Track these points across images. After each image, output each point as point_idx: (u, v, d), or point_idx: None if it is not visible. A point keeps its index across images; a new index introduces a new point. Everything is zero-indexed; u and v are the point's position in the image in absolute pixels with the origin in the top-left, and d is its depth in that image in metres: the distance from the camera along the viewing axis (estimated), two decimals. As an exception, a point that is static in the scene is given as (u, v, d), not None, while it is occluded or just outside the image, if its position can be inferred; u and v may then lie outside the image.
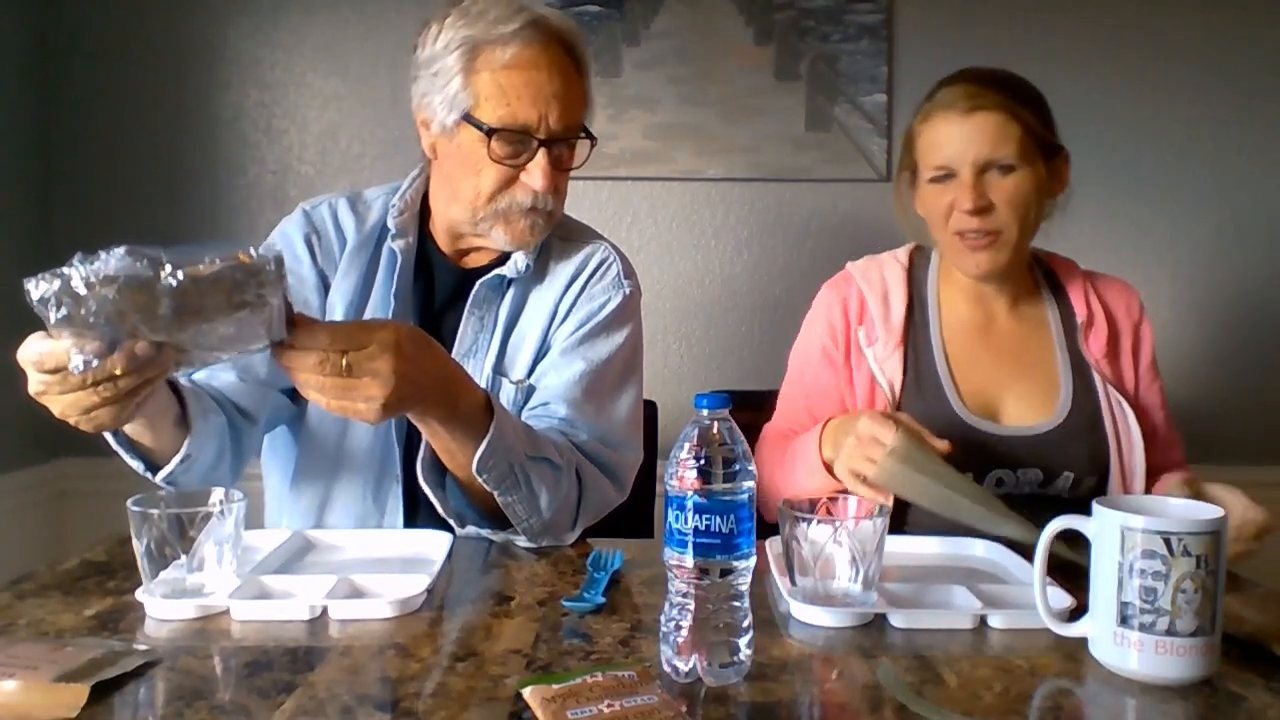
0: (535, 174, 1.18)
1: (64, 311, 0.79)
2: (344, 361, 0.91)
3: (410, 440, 1.23)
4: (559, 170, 1.22)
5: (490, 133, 1.17)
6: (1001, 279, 1.37)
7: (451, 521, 1.15)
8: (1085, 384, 1.34)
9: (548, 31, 1.19)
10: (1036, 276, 1.43)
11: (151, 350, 0.84)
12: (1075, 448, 1.30)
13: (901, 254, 1.46)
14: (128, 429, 1.03)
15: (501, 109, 1.17)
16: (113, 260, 0.80)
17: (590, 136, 1.24)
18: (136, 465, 1.08)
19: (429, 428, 1.06)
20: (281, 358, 0.91)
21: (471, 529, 1.17)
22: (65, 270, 0.80)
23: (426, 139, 1.26)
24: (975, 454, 1.28)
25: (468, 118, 1.18)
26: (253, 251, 0.86)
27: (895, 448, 1.10)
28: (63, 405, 0.87)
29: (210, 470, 1.12)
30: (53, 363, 0.83)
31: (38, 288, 0.79)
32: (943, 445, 1.13)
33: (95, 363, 0.82)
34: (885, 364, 1.35)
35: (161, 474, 1.08)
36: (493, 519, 1.13)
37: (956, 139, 1.28)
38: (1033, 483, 1.29)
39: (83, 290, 0.79)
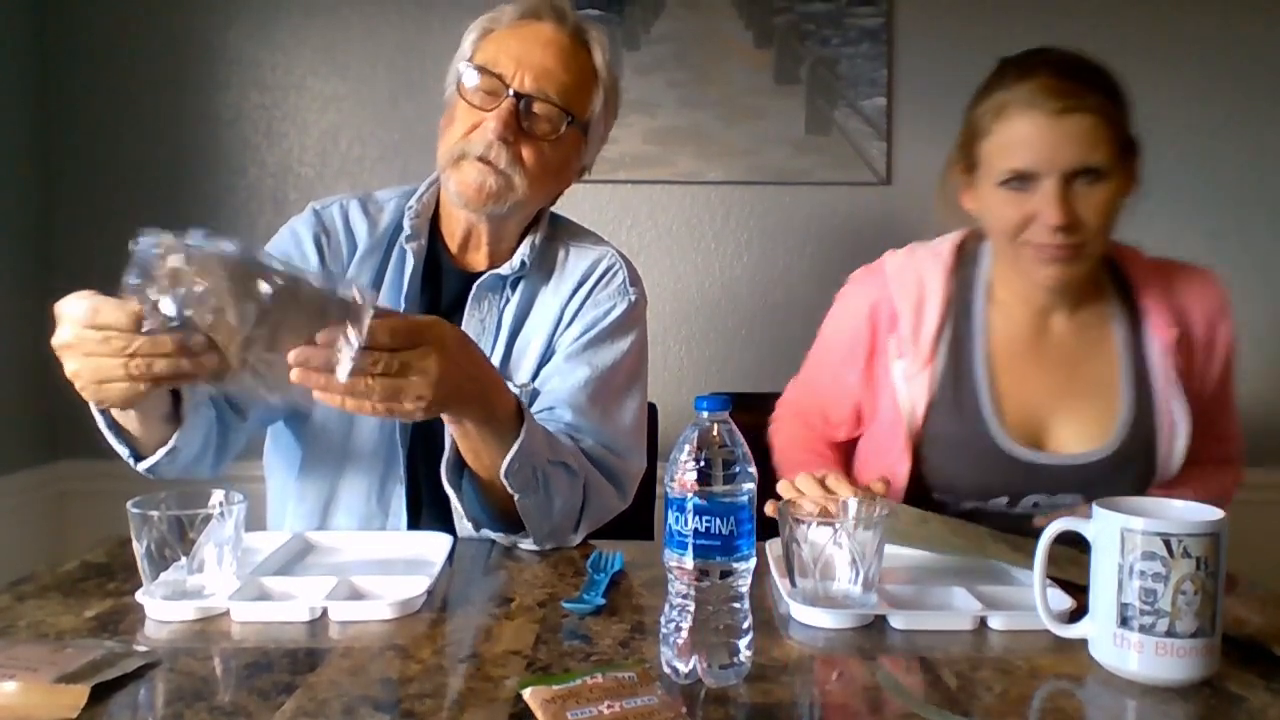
0: (492, 118, 1.18)
1: (170, 262, 0.80)
2: (397, 362, 0.89)
3: (414, 443, 1.24)
4: (524, 133, 1.20)
5: (467, 68, 1.21)
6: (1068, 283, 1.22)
7: (467, 523, 1.15)
8: (1147, 403, 1.22)
9: (562, 16, 1.24)
10: (1100, 273, 1.26)
11: (204, 348, 0.83)
12: (1122, 477, 1.20)
13: (946, 248, 1.29)
14: (117, 413, 1.02)
15: (487, 55, 1.21)
16: (227, 245, 0.81)
17: (573, 120, 1.22)
18: (121, 450, 1.07)
19: (460, 428, 1.05)
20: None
21: (473, 531, 1.17)
22: (178, 238, 0.81)
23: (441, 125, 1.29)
24: (1013, 481, 1.20)
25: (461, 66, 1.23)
26: (359, 294, 0.85)
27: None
28: (82, 365, 0.86)
29: (193, 463, 1.12)
30: (109, 318, 0.82)
31: (148, 240, 0.81)
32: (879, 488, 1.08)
33: (178, 323, 0.82)
34: (912, 383, 1.23)
35: (145, 464, 1.07)
36: (503, 521, 1.13)
37: (1043, 143, 1.11)
38: (1067, 504, 1.20)
39: (184, 261, 0.80)
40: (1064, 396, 1.22)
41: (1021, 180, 1.14)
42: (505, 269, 1.27)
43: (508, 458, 1.04)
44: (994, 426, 1.21)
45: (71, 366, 0.87)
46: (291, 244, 1.28)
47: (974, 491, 1.23)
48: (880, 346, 1.27)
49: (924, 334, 1.24)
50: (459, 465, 1.10)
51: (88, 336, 0.84)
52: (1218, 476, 1.30)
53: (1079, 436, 1.21)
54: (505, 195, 1.20)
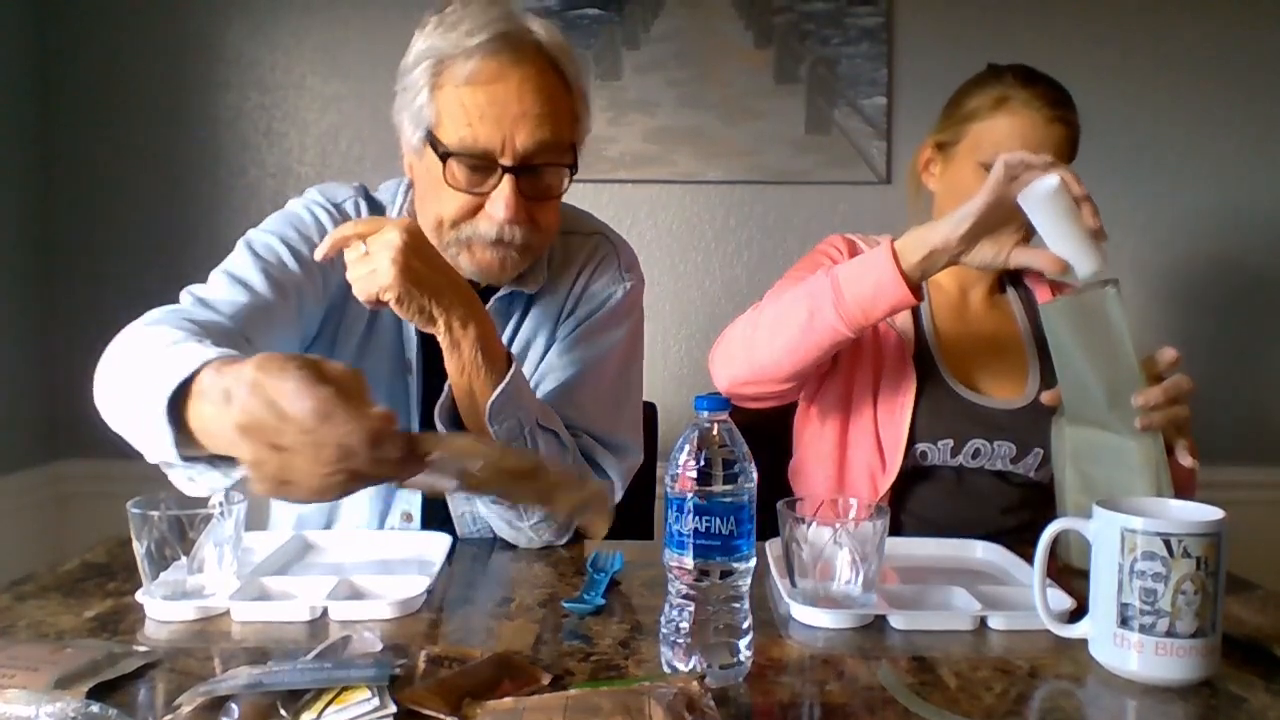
0: (498, 203, 1.07)
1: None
2: (362, 246, 0.99)
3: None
4: (532, 200, 1.10)
5: (446, 156, 1.07)
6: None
7: (467, 522, 1.14)
8: (1051, 371, 1.31)
9: (520, 43, 1.08)
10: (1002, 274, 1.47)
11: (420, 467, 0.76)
12: (1046, 426, 1.28)
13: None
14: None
15: (462, 130, 1.06)
16: None
17: (571, 166, 1.13)
18: (211, 478, 0.87)
19: (451, 337, 1.03)
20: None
21: (474, 532, 1.17)
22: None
23: (404, 156, 1.17)
24: (958, 420, 1.32)
25: (429, 137, 1.09)
26: None
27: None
28: (275, 460, 0.71)
29: None
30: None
31: None
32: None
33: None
34: (898, 318, 1.38)
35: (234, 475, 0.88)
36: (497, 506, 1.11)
37: (1033, 140, 1.26)
38: (1005, 457, 1.32)
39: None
40: (987, 355, 1.40)
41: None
42: (527, 287, 1.21)
43: (493, 395, 1.03)
44: (942, 368, 1.37)
45: (255, 455, 0.72)
46: (315, 231, 1.17)
47: (925, 433, 1.32)
48: None
49: None
50: (454, 412, 1.08)
51: (310, 442, 0.70)
52: None
53: (1002, 387, 1.37)
54: (526, 257, 1.15)
